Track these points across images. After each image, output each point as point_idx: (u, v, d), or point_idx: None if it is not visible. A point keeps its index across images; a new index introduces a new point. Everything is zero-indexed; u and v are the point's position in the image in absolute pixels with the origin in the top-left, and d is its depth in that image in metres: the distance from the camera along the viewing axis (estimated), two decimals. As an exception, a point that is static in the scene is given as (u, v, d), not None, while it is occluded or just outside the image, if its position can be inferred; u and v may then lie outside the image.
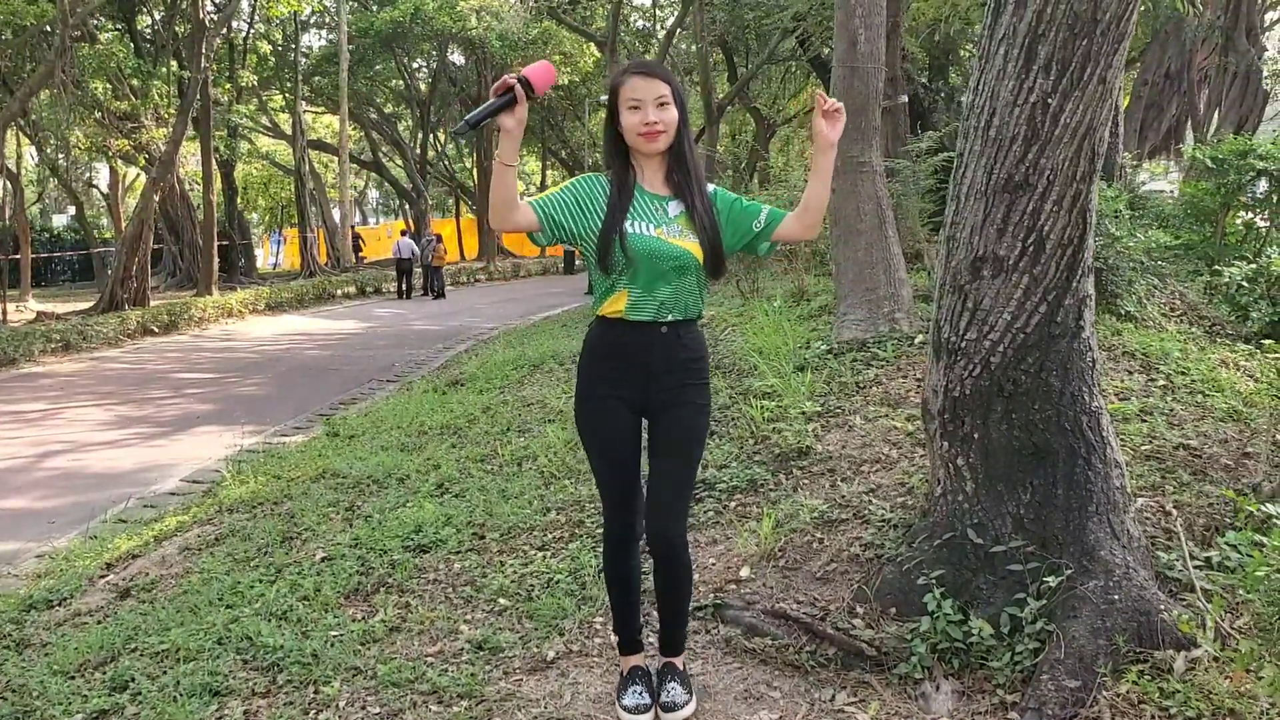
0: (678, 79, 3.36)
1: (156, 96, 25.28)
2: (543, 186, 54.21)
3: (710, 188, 3.38)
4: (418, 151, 44.14)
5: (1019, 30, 3.50)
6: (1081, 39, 3.41)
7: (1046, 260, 3.58)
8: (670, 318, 3.27)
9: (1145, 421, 5.28)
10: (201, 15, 23.30)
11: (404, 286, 29.62)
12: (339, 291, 29.76)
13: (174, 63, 27.74)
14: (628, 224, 3.21)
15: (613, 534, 3.48)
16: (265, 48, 37.11)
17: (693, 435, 3.36)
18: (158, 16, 29.85)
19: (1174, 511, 4.21)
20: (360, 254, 41.28)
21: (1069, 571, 3.52)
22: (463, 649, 4.03)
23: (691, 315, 3.33)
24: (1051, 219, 3.55)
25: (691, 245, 3.24)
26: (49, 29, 22.21)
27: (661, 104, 3.18)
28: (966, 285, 3.72)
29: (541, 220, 3.19)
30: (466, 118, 2.96)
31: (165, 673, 4.01)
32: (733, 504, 5.17)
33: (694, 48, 25.13)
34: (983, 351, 3.69)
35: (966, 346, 3.73)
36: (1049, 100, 3.48)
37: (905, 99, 13.93)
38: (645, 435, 3.45)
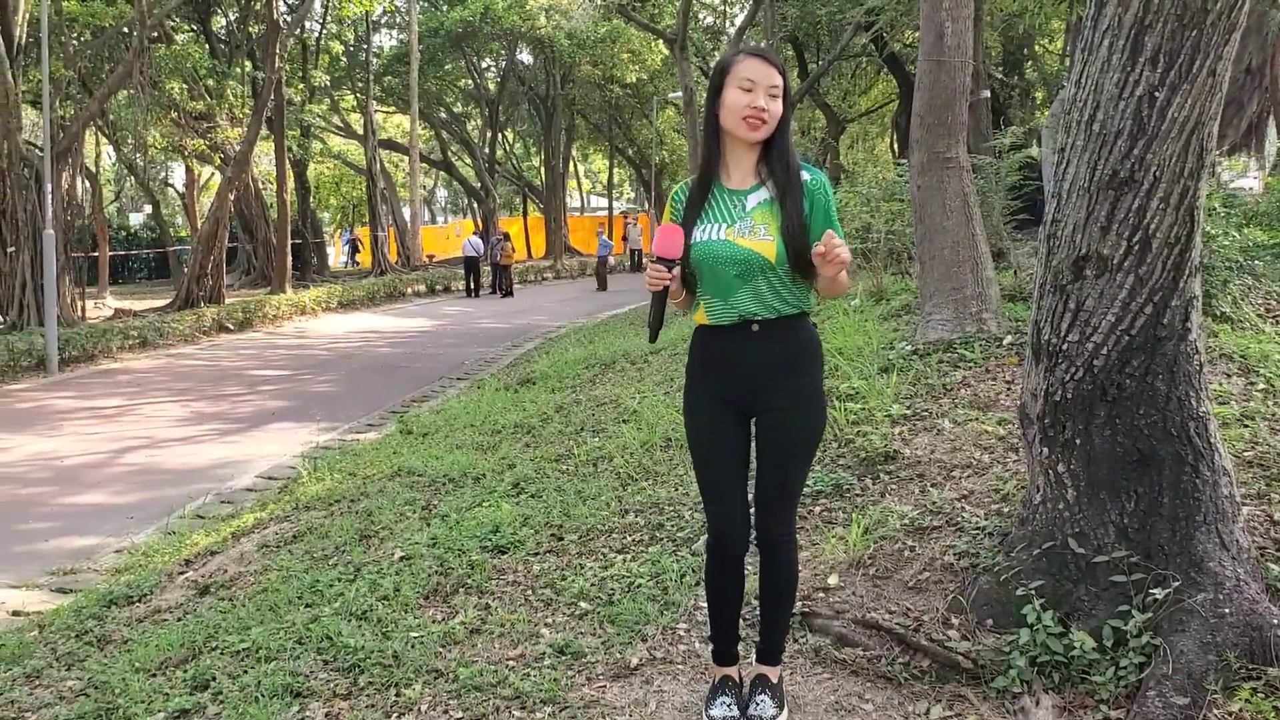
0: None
1: (231, 96, 25.73)
2: (610, 185, 54.31)
3: (813, 176, 3.20)
4: (486, 151, 44.40)
5: (1124, 21, 3.37)
6: (1191, 30, 3.27)
7: (1153, 260, 3.43)
8: (759, 318, 3.15)
9: (1246, 426, 5.08)
10: (275, 16, 23.58)
11: (472, 284, 29.80)
12: (409, 290, 30.08)
13: (248, 63, 28.16)
14: (697, 232, 3.16)
15: (713, 546, 3.36)
16: (337, 48, 37.53)
17: (795, 435, 3.24)
18: (232, 17, 30.33)
19: (1283, 522, 4.04)
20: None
21: (1176, 583, 3.37)
22: (544, 653, 3.95)
23: (788, 312, 3.18)
24: (1158, 217, 3.41)
25: (761, 244, 3.10)
26: (126, 30, 22.66)
27: (774, 94, 3.09)
28: (1068, 285, 3.58)
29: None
30: (651, 326, 3.24)
31: (246, 672, 3.98)
32: (818, 509, 5.04)
33: (765, 44, 24.93)
34: (1085, 354, 3.56)
35: (1068, 349, 3.59)
36: (1156, 93, 3.34)
37: (987, 94, 13.69)
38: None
